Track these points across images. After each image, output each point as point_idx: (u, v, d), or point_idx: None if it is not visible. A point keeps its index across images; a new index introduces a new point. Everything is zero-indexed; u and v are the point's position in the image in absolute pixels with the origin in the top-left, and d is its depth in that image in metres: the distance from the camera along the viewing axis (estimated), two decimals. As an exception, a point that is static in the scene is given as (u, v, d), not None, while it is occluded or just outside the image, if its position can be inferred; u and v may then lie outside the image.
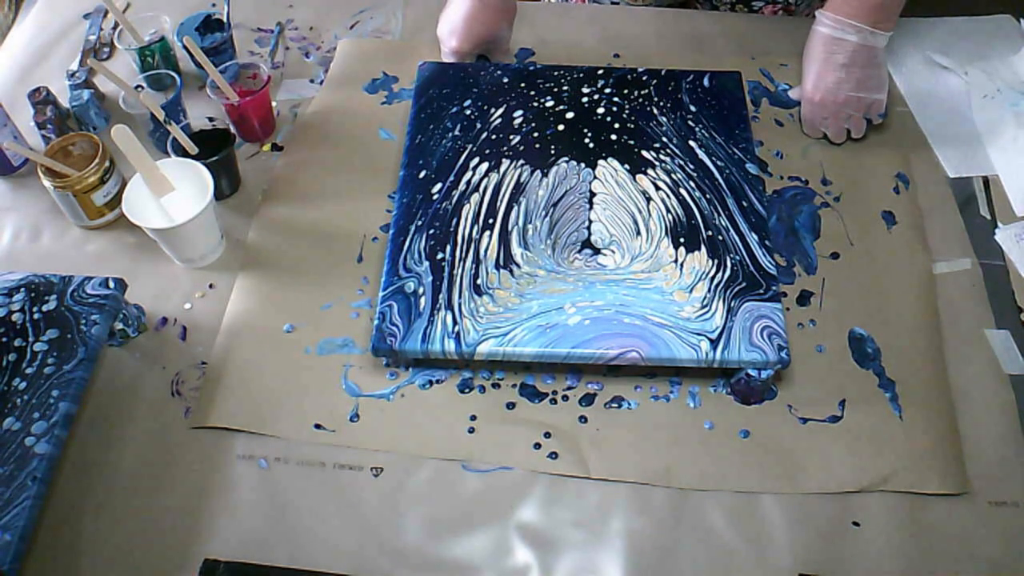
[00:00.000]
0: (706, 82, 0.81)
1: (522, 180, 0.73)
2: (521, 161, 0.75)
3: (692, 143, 0.76)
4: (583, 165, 0.74)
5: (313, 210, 0.79)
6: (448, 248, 0.68)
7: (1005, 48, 0.94)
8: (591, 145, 0.76)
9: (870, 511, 0.62)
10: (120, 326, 0.68)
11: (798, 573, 0.60)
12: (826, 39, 0.80)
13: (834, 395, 0.67)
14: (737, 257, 0.68)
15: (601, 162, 0.74)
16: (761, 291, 0.65)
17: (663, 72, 0.82)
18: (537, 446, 0.65)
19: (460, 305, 0.65)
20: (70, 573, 0.59)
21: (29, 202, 0.80)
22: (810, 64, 0.82)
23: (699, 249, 0.68)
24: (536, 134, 0.77)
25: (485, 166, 0.74)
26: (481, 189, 0.72)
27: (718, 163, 0.74)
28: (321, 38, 0.97)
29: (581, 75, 0.82)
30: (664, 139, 0.76)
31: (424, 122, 0.78)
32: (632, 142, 0.76)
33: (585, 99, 0.80)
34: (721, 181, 0.73)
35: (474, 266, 0.67)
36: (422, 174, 0.74)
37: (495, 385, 0.68)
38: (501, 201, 0.72)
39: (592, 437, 0.65)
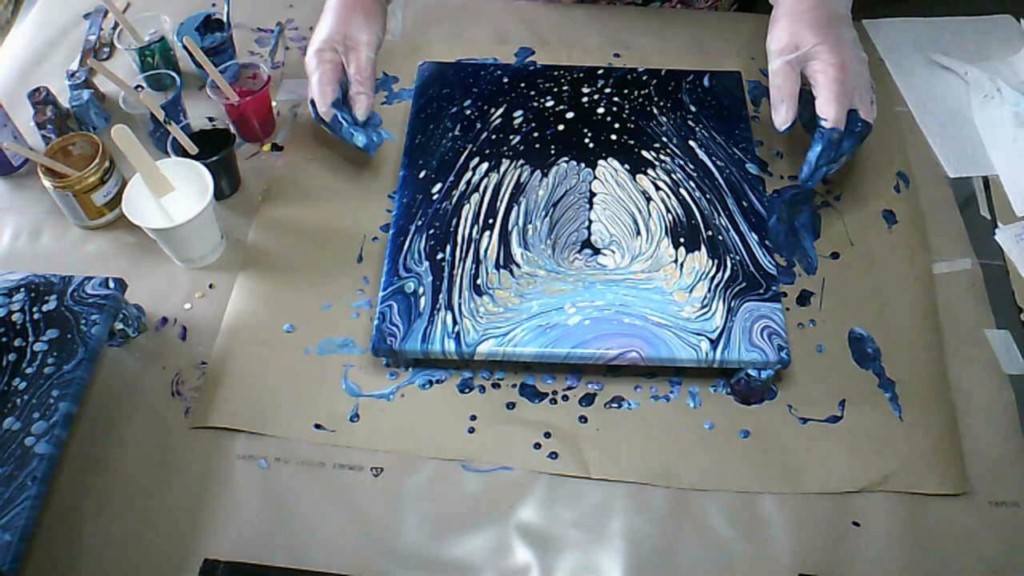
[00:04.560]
0: (706, 82, 0.81)
1: (522, 180, 0.73)
2: (521, 161, 0.75)
3: (692, 143, 0.76)
4: (583, 165, 0.74)
5: (313, 210, 0.79)
6: (448, 248, 0.68)
7: (1005, 48, 0.94)
8: (591, 145, 0.76)
9: (870, 511, 0.62)
10: (120, 326, 0.68)
11: (798, 573, 0.60)
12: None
13: (834, 395, 0.67)
14: (737, 257, 0.68)
15: (601, 162, 0.75)
16: (761, 291, 0.65)
17: (663, 72, 0.82)
18: (537, 446, 0.65)
19: (460, 305, 0.65)
20: (70, 573, 0.59)
21: (29, 202, 0.80)
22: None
23: (699, 249, 0.68)
24: (536, 134, 0.77)
25: (485, 166, 0.74)
26: (481, 189, 0.72)
27: (718, 163, 0.74)
28: (321, 38, 0.96)
29: (581, 75, 0.82)
30: (664, 139, 0.76)
31: (424, 122, 0.78)
32: (632, 142, 0.76)
33: (585, 99, 0.80)
34: (721, 181, 0.73)
35: (474, 266, 0.67)
36: (422, 174, 0.74)
37: (495, 385, 0.68)
38: (501, 201, 0.72)
39: (592, 437, 0.65)
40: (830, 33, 0.67)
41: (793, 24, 0.68)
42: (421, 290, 0.66)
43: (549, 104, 0.79)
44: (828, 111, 0.66)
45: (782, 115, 0.68)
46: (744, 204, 0.71)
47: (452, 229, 0.70)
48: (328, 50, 0.72)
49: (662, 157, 0.75)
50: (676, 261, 0.67)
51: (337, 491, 0.63)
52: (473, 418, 0.66)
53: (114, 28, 0.96)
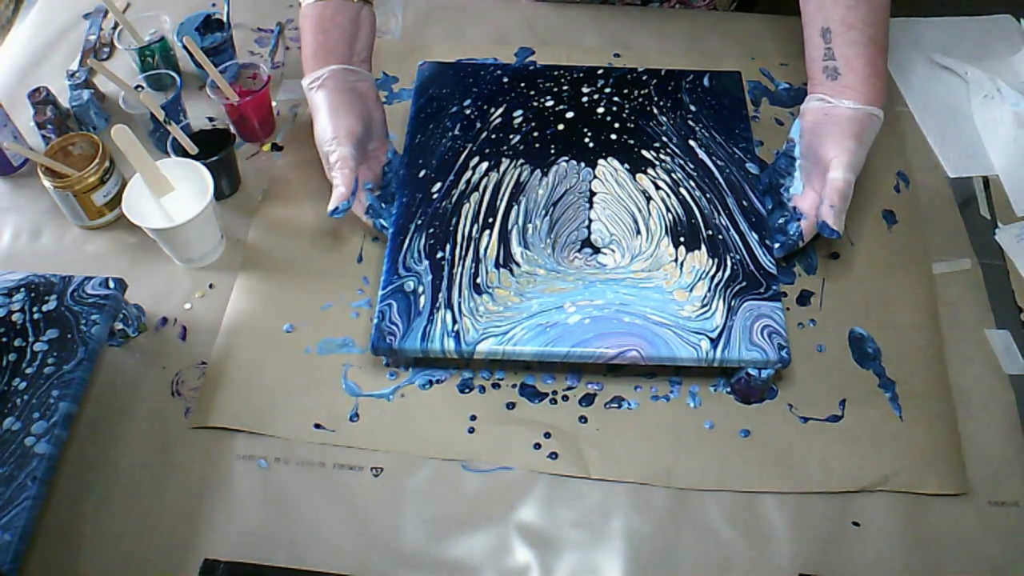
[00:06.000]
0: (706, 82, 0.81)
1: (522, 179, 0.73)
2: (521, 160, 0.75)
3: (692, 143, 0.76)
4: (583, 164, 0.74)
5: (313, 210, 0.79)
6: (448, 247, 0.68)
7: (1005, 48, 0.94)
8: (591, 144, 0.76)
9: (870, 511, 0.62)
10: (120, 326, 0.68)
11: (798, 573, 0.60)
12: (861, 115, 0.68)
13: (834, 395, 0.67)
14: (737, 256, 0.68)
15: (601, 161, 0.74)
16: (761, 290, 0.65)
17: (663, 72, 0.82)
18: (537, 446, 0.65)
19: (460, 304, 0.65)
20: (70, 573, 0.59)
21: (29, 202, 0.80)
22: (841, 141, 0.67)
23: (699, 248, 0.68)
24: (536, 133, 0.77)
25: (485, 165, 0.74)
26: (481, 188, 0.72)
27: (718, 163, 0.74)
28: (321, 38, 0.96)
29: (581, 75, 0.82)
30: (664, 139, 0.76)
31: (424, 122, 0.78)
32: (632, 142, 0.76)
33: (585, 99, 0.80)
34: (721, 180, 0.73)
35: (474, 265, 0.67)
36: (422, 173, 0.74)
37: (495, 385, 0.68)
38: (501, 200, 0.72)
39: (592, 437, 0.65)
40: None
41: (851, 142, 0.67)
42: (421, 289, 0.66)
43: (549, 104, 0.79)
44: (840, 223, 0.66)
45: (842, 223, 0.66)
46: (744, 203, 0.71)
47: (452, 228, 0.70)
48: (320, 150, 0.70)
49: (662, 156, 0.75)
50: (676, 260, 0.67)
51: (337, 491, 0.63)
52: (473, 418, 0.66)
53: (114, 28, 0.96)
